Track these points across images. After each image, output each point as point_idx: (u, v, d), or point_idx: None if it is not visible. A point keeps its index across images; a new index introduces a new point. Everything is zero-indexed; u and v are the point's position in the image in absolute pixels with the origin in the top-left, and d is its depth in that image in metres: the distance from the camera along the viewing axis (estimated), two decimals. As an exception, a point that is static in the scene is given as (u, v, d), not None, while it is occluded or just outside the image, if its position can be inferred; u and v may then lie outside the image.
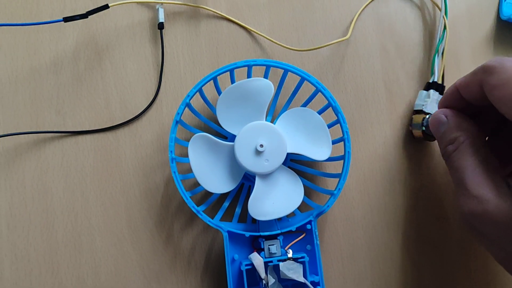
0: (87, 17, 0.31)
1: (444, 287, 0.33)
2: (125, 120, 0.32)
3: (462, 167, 0.26)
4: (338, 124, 0.30)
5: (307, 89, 0.32)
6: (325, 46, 0.33)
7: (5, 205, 0.31)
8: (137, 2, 0.33)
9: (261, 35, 0.34)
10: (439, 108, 0.29)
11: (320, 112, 0.31)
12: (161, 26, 0.33)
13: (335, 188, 0.29)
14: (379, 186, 0.33)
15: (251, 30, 0.34)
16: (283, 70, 0.31)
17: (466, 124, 0.27)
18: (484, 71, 0.25)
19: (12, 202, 0.31)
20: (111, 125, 0.32)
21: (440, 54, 0.34)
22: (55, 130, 0.32)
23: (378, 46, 0.35)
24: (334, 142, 0.30)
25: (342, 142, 0.30)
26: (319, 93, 0.30)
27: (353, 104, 0.34)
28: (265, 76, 0.31)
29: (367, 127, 0.34)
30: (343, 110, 0.30)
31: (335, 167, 0.33)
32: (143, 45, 0.33)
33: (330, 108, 0.30)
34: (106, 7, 0.31)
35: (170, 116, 0.33)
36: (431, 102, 0.33)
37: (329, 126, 0.30)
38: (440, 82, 0.34)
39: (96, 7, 0.31)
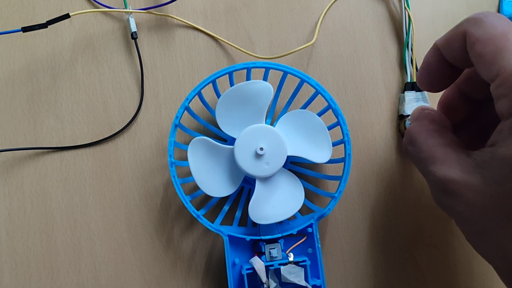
0: (46, 27, 0.30)
1: (446, 288, 0.33)
2: (124, 125, 0.32)
3: (429, 144, 0.25)
4: (338, 126, 0.30)
5: (306, 91, 0.32)
6: (291, 53, 0.33)
7: (4, 210, 0.31)
8: (98, 11, 0.33)
9: (229, 44, 0.34)
10: (420, 72, 0.27)
11: (320, 114, 0.30)
12: (134, 35, 0.32)
13: (336, 191, 0.29)
14: (380, 188, 0.33)
15: (220, 39, 0.34)
16: (282, 72, 0.30)
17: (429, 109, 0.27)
18: (470, 22, 0.23)
19: (11, 208, 0.31)
20: (110, 134, 0.32)
21: (409, 49, 0.34)
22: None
23: (378, 46, 0.35)
24: (334, 144, 0.30)
25: (343, 144, 0.30)
26: (319, 95, 0.30)
27: (353, 106, 0.34)
28: (264, 79, 0.31)
29: (368, 129, 0.34)
30: (343, 112, 0.30)
31: (335, 169, 0.33)
32: (126, 53, 0.33)
33: (330, 110, 0.30)
34: (67, 16, 0.31)
35: (169, 119, 0.33)
36: (407, 104, 0.33)
37: (329, 128, 0.30)
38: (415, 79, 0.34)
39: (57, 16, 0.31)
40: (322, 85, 0.30)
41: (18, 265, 0.30)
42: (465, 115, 0.28)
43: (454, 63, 0.25)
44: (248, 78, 0.31)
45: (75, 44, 0.33)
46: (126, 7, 0.33)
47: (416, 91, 0.33)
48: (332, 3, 0.35)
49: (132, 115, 0.32)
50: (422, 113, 0.27)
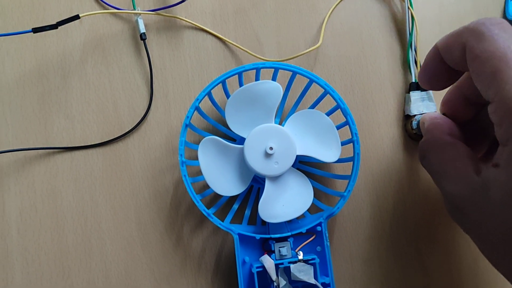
0: (57, 28, 0.31)
1: (452, 287, 0.33)
2: (134, 125, 0.32)
3: (440, 159, 0.26)
4: (346, 126, 0.30)
5: (314, 91, 0.32)
6: (299, 55, 0.33)
7: (15, 209, 0.31)
8: (107, 13, 0.33)
9: (237, 46, 0.34)
10: (421, 72, 0.27)
11: (328, 114, 0.31)
12: (143, 36, 0.33)
13: (345, 190, 0.30)
14: (387, 187, 0.33)
15: (228, 42, 0.34)
16: (291, 73, 0.31)
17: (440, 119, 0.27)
18: (471, 34, 0.22)
19: (22, 207, 0.31)
20: (120, 134, 0.32)
21: (413, 49, 0.34)
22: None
23: (385, 47, 0.35)
24: (343, 144, 0.30)
25: (351, 144, 0.30)
26: (328, 94, 0.30)
27: (361, 105, 0.34)
28: (273, 79, 0.31)
29: (375, 128, 0.34)
30: (351, 111, 0.30)
31: (343, 168, 0.33)
32: (135, 53, 0.33)
33: (339, 109, 0.30)
34: (76, 17, 0.31)
35: (178, 119, 0.33)
36: (413, 104, 0.33)
37: (338, 127, 0.30)
38: None
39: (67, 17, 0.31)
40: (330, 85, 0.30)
41: (29, 264, 0.31)
42: (469, 116, 0.28)
43: (454, 67, 0.25)
44: (257, 79, 0.31)
45: (85, 44, 0.33)
46: (134, 9, 0.33)
47: (421, 91, 0.34)
48: (338, 3, 0.35)
49: (142, 115, 0.33)
50: (432, 123, 0.27)
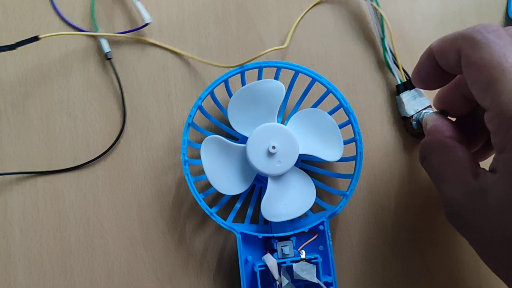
0: (15, 49, 0.30)
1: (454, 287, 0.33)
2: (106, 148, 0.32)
3: (440, 161, 0.26)
4: (349, 125, 0.30)
5: (317, 90, 0.32)
6: (261, 55, 0.32)
7: (17, 209, 0.31)
8: (66, 34, 0.33)
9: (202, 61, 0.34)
10: (414, 72, 0.27)
11: (331, 113, 0.31)
12: (109, 56, 0.32)
13: (347, 189, 0.30)
14: (389, 186, 0.33)
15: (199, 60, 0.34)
16: (293, 72, 0.31)
17: (442, 123, 0.27)
18: (465, 41, 0.22)
19: (25, 207, 0.31)
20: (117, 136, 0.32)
21: (389, 52, 0.34)
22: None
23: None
24: (345, 143, 0.30)
25: (353, 143, 0.30)
26: (330, 93, 0.30)
27: (363, 105, 0.34)
28: (276, 78, 0.31)
29: (377, 128, 0.34)
30: (353, 111, 0.30)
31: (345, 167, 0.33)
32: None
33: (341, 108, 0.30)
34: (36, 38, 0.30)
35: (181, 118, 0.33)
36: (407, 104, 0.33)
37: (340, 126, 0.30)
38: (405, 79, 0.33)
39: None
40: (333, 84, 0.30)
41: (31, 263, 0.31)
42: (465, 112, 0.28)
43: (449, 71, 0.25)
44: (259, 78, 0.31)
45: (88, 43, 0.33)
46: (96, 30, 0.33)
47: (410, 90, 0.33)
48: (309, 9, 0.35)
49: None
50: (434, 125, 0.27)
